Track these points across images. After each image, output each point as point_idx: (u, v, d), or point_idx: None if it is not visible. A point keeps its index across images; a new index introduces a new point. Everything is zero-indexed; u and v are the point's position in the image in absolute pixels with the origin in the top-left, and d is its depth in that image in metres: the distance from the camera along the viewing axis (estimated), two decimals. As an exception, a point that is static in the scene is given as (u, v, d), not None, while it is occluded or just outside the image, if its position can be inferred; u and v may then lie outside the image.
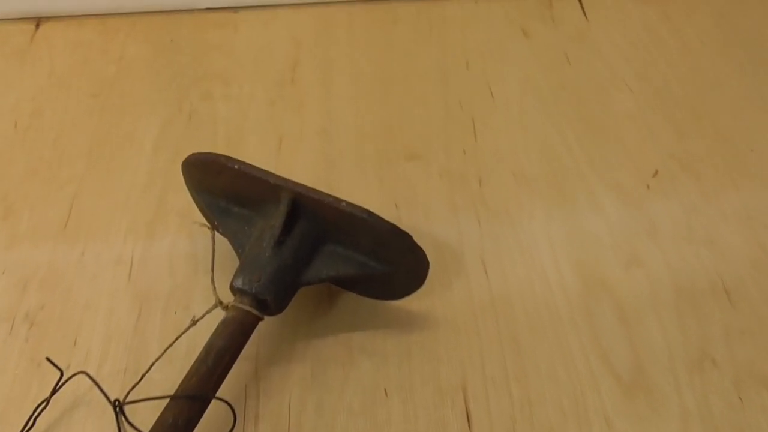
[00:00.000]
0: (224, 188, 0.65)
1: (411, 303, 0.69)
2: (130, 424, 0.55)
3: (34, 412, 0.59)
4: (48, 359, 0.61)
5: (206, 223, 0.70)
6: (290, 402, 0.63)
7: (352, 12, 1.00)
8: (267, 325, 0.68)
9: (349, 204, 0.58)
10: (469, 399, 0.63)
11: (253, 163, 0.61)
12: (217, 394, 0.56)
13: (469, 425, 0.62)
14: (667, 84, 0.90)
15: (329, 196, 0.59)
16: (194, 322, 0.61)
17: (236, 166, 0.61)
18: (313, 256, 0.62)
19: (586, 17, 0.99)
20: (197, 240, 0.74)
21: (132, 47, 0.95)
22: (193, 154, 0.64)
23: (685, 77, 0.91)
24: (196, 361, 0.56)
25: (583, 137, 0.84)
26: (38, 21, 0.98)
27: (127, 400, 0.57)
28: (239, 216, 0.65)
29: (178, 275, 0.72)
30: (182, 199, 0.77)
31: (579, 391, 0.64)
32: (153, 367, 0.60)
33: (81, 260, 0.73)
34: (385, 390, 0.64)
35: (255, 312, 0.59)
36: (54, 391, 0.60)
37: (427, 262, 0.62)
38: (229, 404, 0.55)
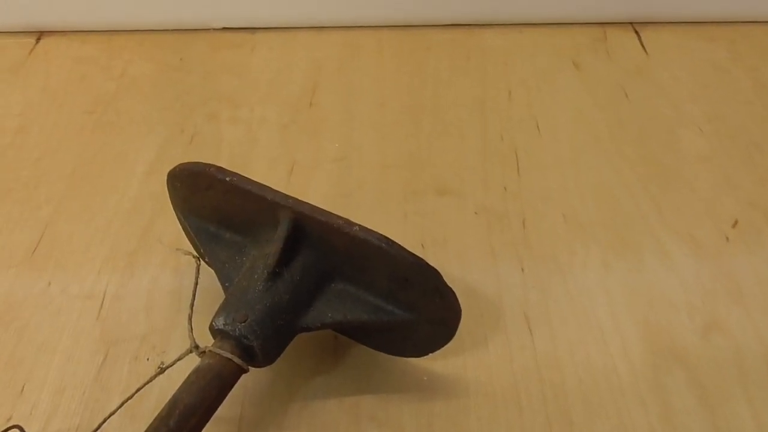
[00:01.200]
0: (214, 208, 0.53)
1: (435, 363, 0.56)
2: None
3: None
4: None
5: (194, 251, 0.58)
6: (277, 482, 0.50)
7: (380, 37, 0.90)
8: (254, 379, 0.55)
9: (363, 229, 0.46)
10: (507, 490, 0.49)
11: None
12: None
13: None
14: (744, 125, 0.78)
15: (339, 218, 0.47)
16: (162, 370, 0.48)
17: (228, 179, 0.50)
18: (316, 296, 0.50)
19: (646, 52, 0.88)
20: (185, 276, 0.62)
21: (137, 65, 0.86)
22: (180, 164, 0.53)
23: (763, 118, 0.78)
24: (155, 419, 0.43)
25: (647, 180, 0.71)
26: (40, 35, 0.90)
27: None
28: (231, 244, 0.53)
29: (157, 316, 0.59)
30: (172, 228, 0.65)
31: (649, 486, 0.49)
32: (108, 424, 0.47)
33: (45, 292, 0.61)
34: (399, 473, 0.50)
35: (237, 361, 0.46)
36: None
37: (459, 310, 0.49)
38: (190, 480, 0.42)
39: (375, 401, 0.54)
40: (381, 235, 0.46)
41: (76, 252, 0.65)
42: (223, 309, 0.47)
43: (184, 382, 0.45)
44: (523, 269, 0.63)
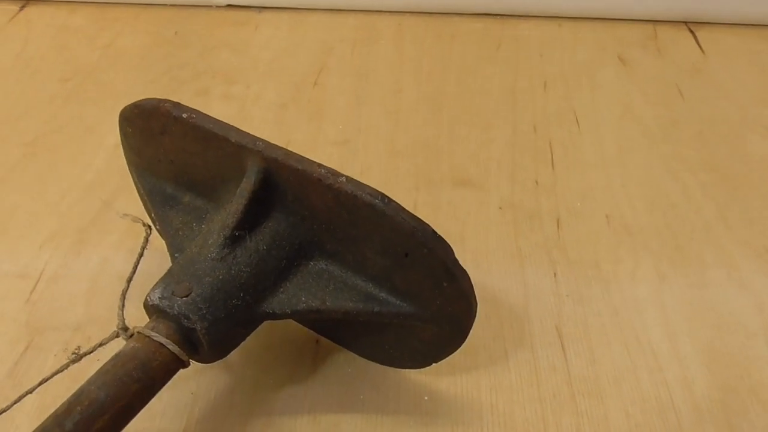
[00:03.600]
0: (171, 162, 0.42)
1: (440, 379, 0.44)
2: None
3: None
4: None
5: (147, 219, 0.47)
6: None
7: (400, 22, 0.80)
8: (206, 383, 0.43)
9: (352, 180, 0.35)
10: None
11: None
12: None
13: None
14: (820, 130, 0.66)
15: (321, 166, 0.35)
16: (78, 357, 0.37)
17: (185, 115, 0.39)
18: (288, 275, 0.38)
19: (703, 51, 0.77)
20: (141, 261, 0.51)
21: (126, 36, 0.76)
22: (131, 103, 0.42)
23: (844, 124, 0.66)
24: (49, 416, 0.32)
25: (709, 186, 0.59)
26: (25, 2, 0.81)
27: None
28: (189, 209, 0.42)
29: (98, 303, 0.48)
30: (134, 208, 0.55)
31: None
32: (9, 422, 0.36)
33: (-29, 269, 0.51)
34: None
35: (172, 348, 0.34)
36: None
37: (473, 303, 0.37)
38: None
39: (361, 424, 0.42)
40: (375, 189, 0.35)
41: (18, 225, 0.54)
42: (163, 281, 0.36)
43: (97, 372, 0.33)
44: (555, 274, 0.51)
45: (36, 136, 0.63)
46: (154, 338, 0.34)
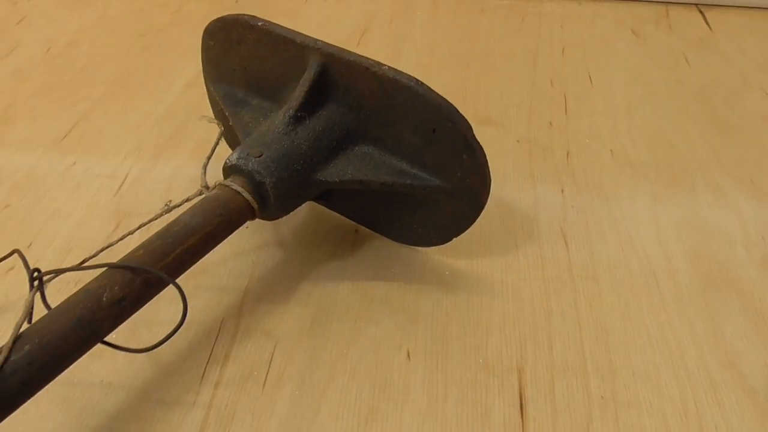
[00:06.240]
0: (244, 69, 0.51)
1: (459, 261, 0.52)
2: (43, 298, 0.38)
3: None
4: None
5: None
6: (275, 350, 0.45)
7: (436, -2, 0.89)
8: (264, 255, 0.52)
9: (393, 69, 0.44)
10: (527, 383, 0.44)
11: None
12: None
13: (522, 415, 0.42)
14: (813, 92, 0.73)
15: (369, 59, 0.44)
16: (169, 209, 0.45)
17: (260, 24, 0.48)
18: (338, 154, 0.47)
19: (710, 28, 0.85)
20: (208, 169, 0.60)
21: (193, 3, 0.87)
22: (214, 19, 0.51)
23: (836, 88, 0.73)
24: (153, 235, 0.40)
25: (707, 133, 0.67)
26: (105, -26, 0.92)
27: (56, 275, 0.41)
28: (256, 109, 0.51)
29: (175, 197, 0.57)
30: (202, 131, 0.64)
31: (691, 401, 0.43)
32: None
33: (68, 170, 0.60)
34: (408, 352, 0.45)
35: (246, 195, 0.43)
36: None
37: (488, 175, 0.45)
38: (177, 286, 0.38)
39: (390, 288, 0.50)
40: (411, 75, 0.43)
41: (105, 141, 0.64)
42: (239, 149, 0.45)
43: (188, 209, 0.42)
44: (563, 191, 0.59)
45: (117, 76, 0.73)
46: (233, 187, 0.43)
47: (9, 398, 0.33)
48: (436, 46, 0.79)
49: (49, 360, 0.34)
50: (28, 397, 0.34)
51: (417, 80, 0.43)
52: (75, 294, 0.37)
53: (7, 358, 0.33)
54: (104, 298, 0.36)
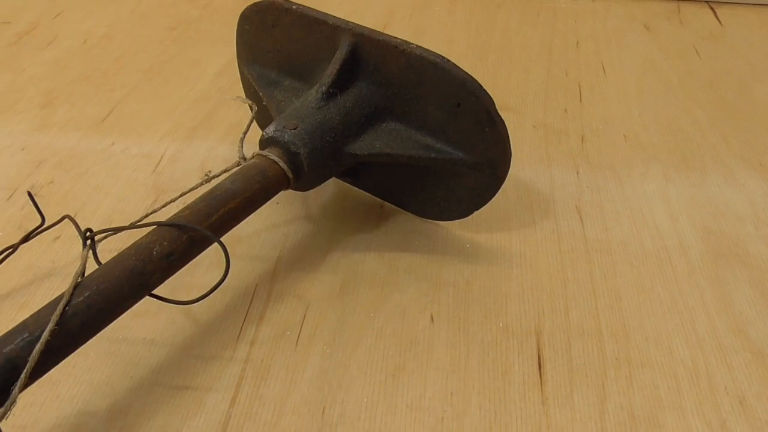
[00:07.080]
0: (278, 51, 0.54)
1: (479, 235, 0.55)
2: (95, 256, 0.42)
3: (7, 249, 0.49)
4: (29, 195, 0.49)
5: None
6: (307, 311, 0.48)
7: (455, -6, 0.93)
8: (295, 228, 0.55)
9: (420, 47, 0.47)
10: (544, 345, 0.46)
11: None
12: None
13: (540, 374, 0.44)
14: (821, 83, 0.75)
15: (397, 38, 0.47)
16: (209, 179, 0.48)
17: (294, 7, 0.51)
18: (367, 129, 0.50)
19: (721, 23, 0.87)
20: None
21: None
22: (249, 4, 0.55)
23: (843, 79, 0.76)
24: (197, 198, 0.44)
25: (716, 118, 0.69)
26: (136, -29, 0.96)
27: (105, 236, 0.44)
28: (289, 89, 0.54)
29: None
30: (235, 113, 0.68)
31: (702, 363, 0.46)
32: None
33: (107, 150, 0.63)
34: (432, 316, 0.48)
35: (282, 165, 0.46)
36: (27, 237, 0.49)
37: (509, 148, 0.48)
38: (220, 243, 0.41)
39: (415, 258, 0.53)
40: (437, 53, 0.46)
41: (141, 124, 0.67)
42: (275, 122, 0.48)
43: (229, 175, 0.45)
44: (578, 173, 0.62)
45: (151, 65, 0.76)
46: (270, 157, 0.46)
47: (70, 337, 0.36)
48: (454, 39, 0.82)
49: (105, 305, 0.37)
50: (86, 339, 0.37)
51: (443, 57, 0.46)
52: (128, 248, 0.40)
53: (69, 302, 0.36)
54: (155, 252, 0.39)
